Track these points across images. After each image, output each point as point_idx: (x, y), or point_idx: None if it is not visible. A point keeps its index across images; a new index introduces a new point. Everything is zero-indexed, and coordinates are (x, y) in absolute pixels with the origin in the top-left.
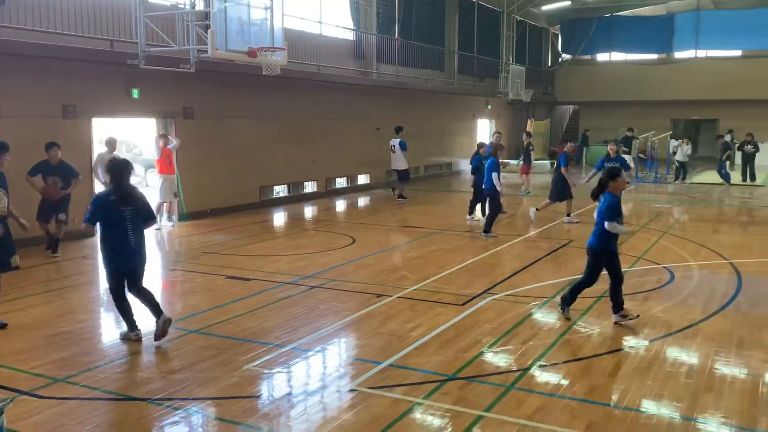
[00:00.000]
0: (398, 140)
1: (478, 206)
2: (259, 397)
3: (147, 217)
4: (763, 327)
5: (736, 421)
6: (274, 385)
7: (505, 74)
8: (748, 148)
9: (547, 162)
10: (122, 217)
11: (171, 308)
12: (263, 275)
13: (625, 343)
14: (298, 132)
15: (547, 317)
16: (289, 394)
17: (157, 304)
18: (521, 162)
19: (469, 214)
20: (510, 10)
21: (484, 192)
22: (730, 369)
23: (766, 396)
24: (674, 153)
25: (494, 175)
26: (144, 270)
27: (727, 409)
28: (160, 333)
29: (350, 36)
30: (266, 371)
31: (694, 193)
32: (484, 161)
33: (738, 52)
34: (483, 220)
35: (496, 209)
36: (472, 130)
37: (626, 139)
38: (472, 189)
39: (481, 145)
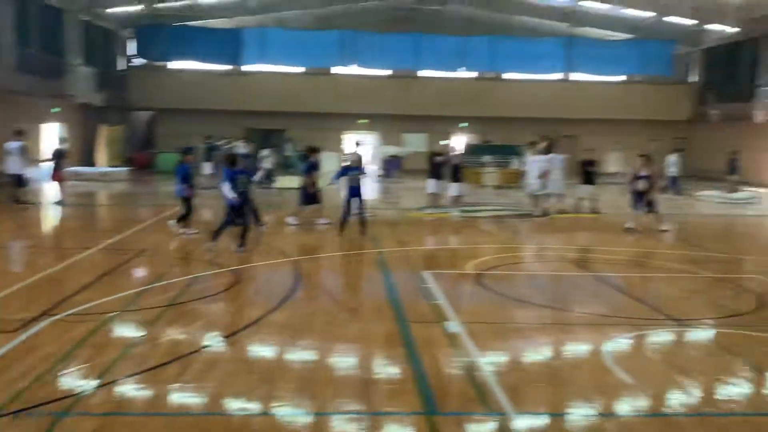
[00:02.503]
0: (18, 143)
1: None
2: None
3: None
4: (314, 316)
5: (317, 406)
6: None
7: (73, 75)
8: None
9: (124, 169)
10: None
11: None
12: None
13: (188, 348)
14: None
15: (111, 333)
16: None
17: None
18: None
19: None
20: (74, 8)
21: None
22: (290, 356)
23: (321, 377)
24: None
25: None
26: None
27: (293, 393)
28: None
29: None
30: None
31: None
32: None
33: (301, 68)
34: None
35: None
36: (37, 135)
37: (210, 148)
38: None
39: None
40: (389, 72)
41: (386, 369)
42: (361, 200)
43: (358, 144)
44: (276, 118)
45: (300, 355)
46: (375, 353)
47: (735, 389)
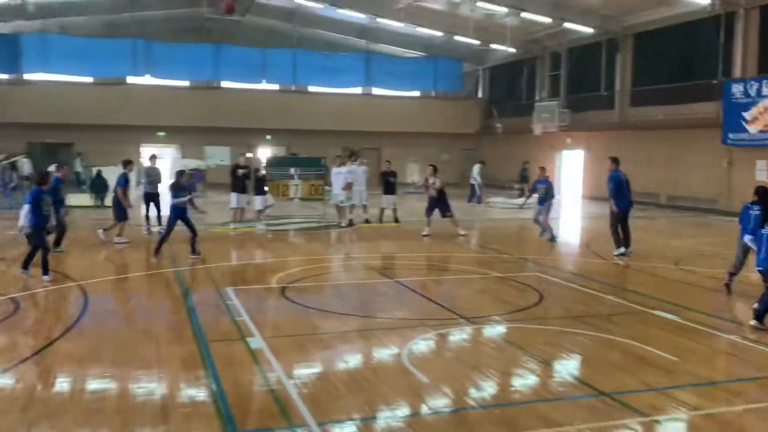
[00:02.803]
0: None
1: None
2: None
3: None
4: (105, 341)
5: None
6: None
7: None
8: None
9: None
10: None
11: None
12: None
13: None
14: None
15: None
16: None
17: None
18: None
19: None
20: None
21: None
22: (76, 387)
23: (111, 407)
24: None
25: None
26: None
27: (78, 426)
28: None
29: None
30: None
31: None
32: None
33: (90, 78)
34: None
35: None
36: None
37: None
38: None
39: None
40: (188, 83)
41: (184, 392)
42: (188, 221)
43: (154, 157)
44: (63, 131)
45: (87, 384)
46: (171, 376)
47: (520, 380)
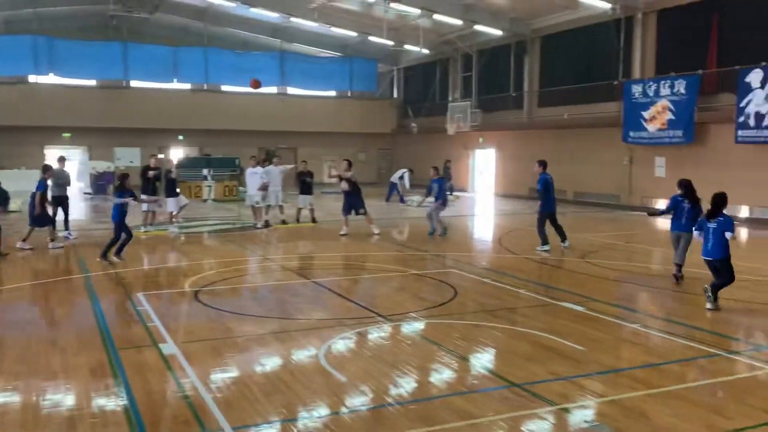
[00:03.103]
0: None
1: None
2: None
3: None
4: (7, 352)
5: None
6: None
7: None
8: None
9: None
10: None
11: None
12: None
13: None
14: None
15: None
16: None
17: None
18: None
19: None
20: None
21: None
22: None
23: (11, 420)
24: None
25: None
26: None
27: None
28: None
29: None
30: None
31: None
32: None
33: None
34: None
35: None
36: None
37: None
38: None
39: None
40: (95, 82)
41: (92, 402)
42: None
43: (62, 160)
44: None
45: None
46: (79, 386)
47: (436, 375)
